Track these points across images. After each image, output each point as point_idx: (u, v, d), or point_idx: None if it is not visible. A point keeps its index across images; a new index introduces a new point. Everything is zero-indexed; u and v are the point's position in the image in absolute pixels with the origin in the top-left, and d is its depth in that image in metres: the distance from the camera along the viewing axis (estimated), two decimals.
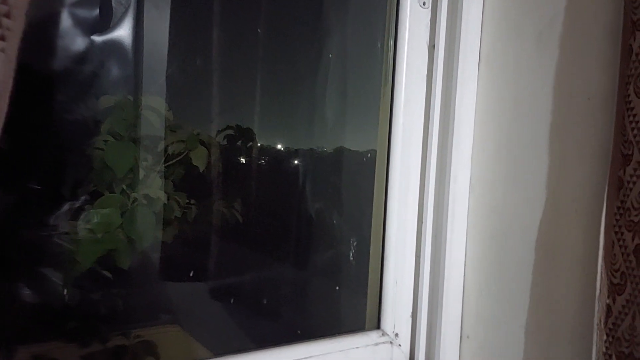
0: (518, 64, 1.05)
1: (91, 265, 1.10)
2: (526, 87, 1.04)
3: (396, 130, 1.12)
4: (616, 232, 0.83)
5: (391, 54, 1.13)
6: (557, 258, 0.97)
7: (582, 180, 0.93)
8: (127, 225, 1.12)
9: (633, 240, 0.80)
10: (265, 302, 1.32)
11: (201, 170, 1.21)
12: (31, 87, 1.04)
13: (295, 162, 1.35)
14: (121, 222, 1.11)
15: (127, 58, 1.12)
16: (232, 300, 1.28)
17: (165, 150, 1.18)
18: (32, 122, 1.06)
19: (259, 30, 1.28)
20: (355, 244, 1.26)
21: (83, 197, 1.10)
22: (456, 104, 1.09)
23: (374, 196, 1.15)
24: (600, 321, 0.85)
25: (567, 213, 0.96)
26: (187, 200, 1.22)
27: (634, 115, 0.80)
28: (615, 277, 0.82)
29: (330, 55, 1.30)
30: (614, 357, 0.83)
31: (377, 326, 1.11)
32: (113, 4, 1.08)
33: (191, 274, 1.25)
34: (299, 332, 1.16)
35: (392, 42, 1.13)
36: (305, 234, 1.35)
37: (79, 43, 1.06)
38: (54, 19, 1.04)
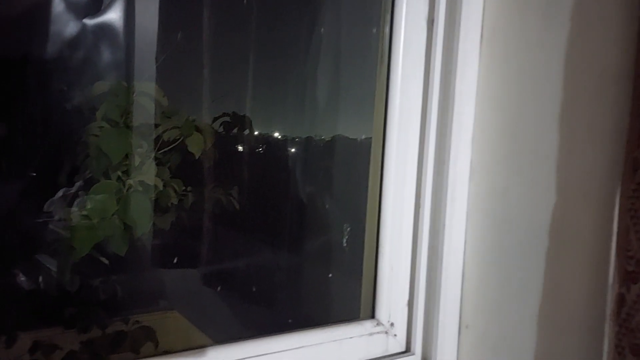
0: (523, 40, 1.02)
1: (88, 251, 1.10)
2: (532, 64, 1.00)
3: (392, 111, 1.08)
4: (632, 217, 0.81)
5: (387, 30, 1.10)
6: (564, 245, 0.95)
7: (592, 162, 0.90)
8: (122, 211, 1.13)
9: None
10: (261, 289, 1.33)
11: (197, 157, 1.21)
12: (25, 74, 1.05)
13: (292, 150, 1.35)
14: (117, 209, 1.12)
15: (119, 42, 1.12)
16: (228, 287, 1.29)
17: (160, 136, 1.18)
18: (26, 109, 1.07)
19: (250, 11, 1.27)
20: (349, 229, 1.25)
21: (79, 184, 1.11)
22: (456, 83, 1.06)
23: (369, 179, 1.13)
24: (612, 311, 0.83)
25: (575, 197, 0.93)
26: (184, 187, 1.22)
27: None
28: (629, 265, 0.80)
29: (322, 30, 1.28)
30: (627, 349, 0.81)
31: (372, 315, 1.09)
32: None
33: (188, 261, 1.26)
34: (289, 320, 1.16)
35: (388, 17, 1.09)
36: (302, 221, 1.35)
37: (71, 27, 1.07)
38: (46, 2, 1.05)
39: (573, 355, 0.92)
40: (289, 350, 0.97)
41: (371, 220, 1.11)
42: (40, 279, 1.11)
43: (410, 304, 1.09)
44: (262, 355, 0.95)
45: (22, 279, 1.11)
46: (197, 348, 0.92)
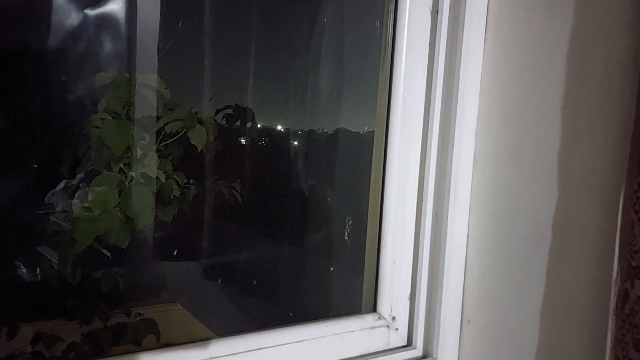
0: (528, 30, 1.01)
1: (89, 244, 1.10)
2: (537, 55, 0.99)
3: (396, 102, 1.07)
4: (636, 211, 0.79)
5: (391, 20, 1.08)
6: (567, 239, 0.93)
7: (597, 155, 0.89)
8: (124, 203, 1.12)
9: None
10: (263, 282, 1.32)
11: (199, 150, 1.21)
12: (27, 65, 1.05)
13: (295, 143, 1.34)
14: (118, 201, 1.12)
15: (121, 33, 1.11)
16: (230, 279, 1.29)
17: (163, 129, 1.18)
18: (28, 101, 1.07)
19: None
20: (351, 223, 1.24)
21: (80, 176, 1.11)
22: (460, 74, 1.05)
23: (372, 172, 1.11)
24: (616, 306, 0.82)
25: (579, 190, 0.92)
26: (186, 180, 1.22)
27: None
28: (634, 260, 0.79)
29: (325, 21, 1.27)
30: (630, 345, 0.80)
31: (374, 309, 1.08)
32: None
33: (190, 253, 1.26)
34: (291, 314, 1.16)
35: (392, 8, 1.08)
36: (304, 214, 1.34)
37: (72, 18, 1.06)
38: None
39: (576, 351, 0.91)
40: (290, 343, 0.97)
41: (373, 214, 1.11)
42: (42, 270, 1.11)
43: (412, 298, 1.08)
44: (264, 348, 0.95)
45: (24, 270, 1.11)
46: (199, 341, 0.92)
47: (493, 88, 1.05)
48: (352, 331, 1.03)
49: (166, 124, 1.19)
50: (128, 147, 1.13)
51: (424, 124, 1.08)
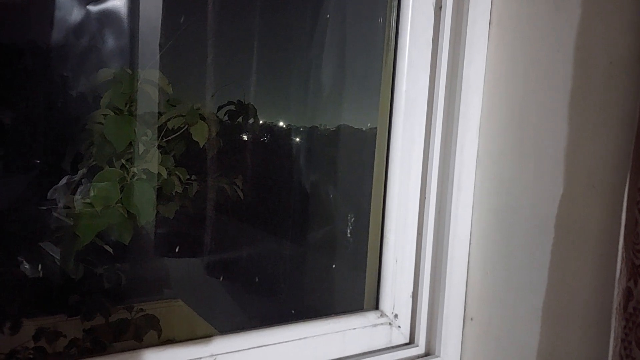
0: (533, 26, 1.00)
1: (91, 239, 1.10)
2: (541, 51, 0.99)
3: (399, 98, 1.07)
4: None
5: (394, 16, 1.08)
6: (571, 236, 0.93)
7: (602, 152, 0.89)
8: (126, 199, 1.12)
9: None
10: (265, 279, 1.32)
11: (201, 146, 1.20)
12: (29, 61, 1.05)
13: (297, 139, 1.34)
14: (120, 197, 1.11)
15: (123, 29, 1.11)
16: (232, 276, 1.28)
17: (165, 124, 1.18)
18: (30, 97, 1.07)
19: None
20: (353, 220, 1.24)
21: (82, 172, 1.11)
22: (464, 70, 1.04)
23: (374, 168, 1.11)
24: (619, 305, 0.81)
25: (583, 188, 0.92)
26: (188, 176, 1.22)
27: None
28: (637, 258, 0.78)
29: (328, 17, 1.26)
30: (633, 344, 0.79)
31: (376, 307, 1.08)
32: None
33: (192, 250, 1.25)
34: (293, 311, 1.16)
35: (395, 4, 1.08)
36: (306, 211, 1.34)
37: (75, 13, 1.06)
38: None
39: (578, 349, 0.91)
40: (292, 341, 0.97)
41: (376, 211, 1.11)
42: (44, 266, 1.11)
43: (415, 295, 1.08)
44: (265, 345, 0.95)
45: (26, 266, 1.11)
46: (200, 338, 0.92)
47: (496, 85, 1.05)
48: (355, 329, 1.03)
49: (168, 120, 1.18)
50: (130, 143, 1.12)
51: (427, 120, 1.08)
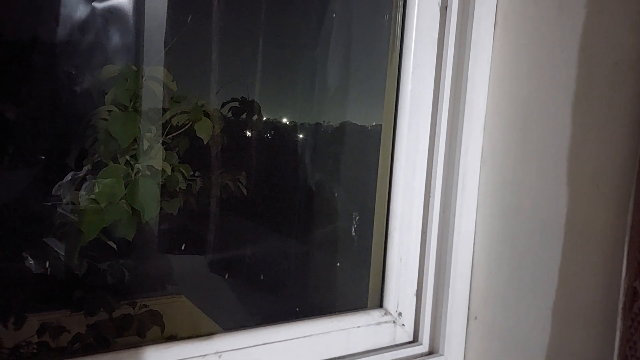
0: (538, 26, 1.00)
1: (95, 235, 1.10)
2: (546, 52, 0.98)
3: (404, 98, 1.07)
4: None
5: (400, 15, 1.08)
6: (575, 236, 0.93)
7: (606, 153, 0.88)
8: (130, 196, 1.12)
9: None
10: (269, 276, 1.32)
11: (205, 142, 1.20)
12: (34, 57, 1.04)
13: (301, 136, 1.34)
14: (124, 193, 1.12)
15: (128, 26, 1.11)
16: (235, 272, 1.29)
17: (169, 121, 1.18)
18: (36, 93, 1.07)
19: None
20: (358, 218, 1.24)
21: (87, 168, 1.11)
22: (469, 70, 1.04)
23: (379, 167, 1.11)
24: (624, 305, 0.81)
25: (588, 188, 0.91)
26: (192, 172, 1.22)
27: None
28: None
29: (333, 16, 1.26)
30: (638, 343, 0.80)
31: (380, 305, 1.08)
32: None
33: (195, 246, 1.26)
34: (297, 309, 1.16)
35: (401, 3, 1.08)
36: (310, 208, 1.34)
37: (80, 10, 1.06)
38: None
39: (583, 349, 0.91)
40: (296, 338, 0.97)
41: (380, 209, 1.10)
42: (49, 262, 1.12)
43: (419, 293, 1.08)
44: (269, 343, 0.95)
45: (31, 262, 1.11)
46: (204, 335, 0.92)
47: (502, 84, 1.05)
48: (359, 327, 1.03)
49: (172, 116, 1.18)
50: (135, 140, 1.12)
51: (432, 119, 1.08)
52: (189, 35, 1.17)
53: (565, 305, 0.93)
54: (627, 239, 0.81)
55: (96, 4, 1.06)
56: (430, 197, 1.07)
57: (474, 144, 1.05)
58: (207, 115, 1.21)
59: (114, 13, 1.09)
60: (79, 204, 1.09)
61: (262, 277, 1.33)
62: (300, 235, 1.36)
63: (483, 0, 1.03)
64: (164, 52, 1.14)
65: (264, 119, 1.33)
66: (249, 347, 0.93)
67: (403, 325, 1.07)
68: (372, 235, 1.11)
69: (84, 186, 1.10)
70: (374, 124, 1.20)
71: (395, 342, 1.06)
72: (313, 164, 1.34)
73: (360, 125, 1.30)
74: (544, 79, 0.98)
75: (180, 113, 1.19)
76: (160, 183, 1.17)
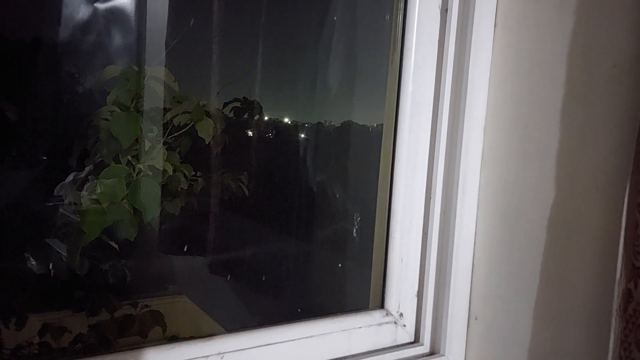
0: (537, 28, 1.00)
1: (97, 236, 1.10)
2: (546, 54, 0.98)
3: (405, 99, 1.07)
4: None
5: (401, 18, 1.08)
6: (574, 238, 0.93)
7: (605, 155, 0.88)
8: (132, 196, 1.12)
9: None
10: (270, 277, 1.32)
11: (207, 142, 1.21)
12: (36, 57, 1.04)
13: (302, 136, 1.33)
14: (126, 193, 1.12)
15: (130, 27, 1.11)
16: (236, 272, 1.29)
17: (171, 121, 1.18)
18: (38, 93, 1.07)
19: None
20: (359, 219, 1.24)
21: (89, 168, 1.11)
22: (469, 71, 1.04)
23: (380, 169, 1.11)
24: (619, 307, 0.81)
25: (586, 190, 0.91)
26: (194, 173, 1.22)
27: None
28: (637, 260, 0.78)
29: (335, 17, 1.26)
30: (633, 345, 0.79)
31: (381, 305, 1.08)
32: None
33: (197, 246, 1.26)
34: (299, 310, 1.16)
35: (401, 5, 1.08)
36: (311, 209, 1.34)
37: (82, 11, 1.06)
38: None
39: (581, 349, 0.91)
40: (299, 339, 0.97)
41: (381, 210, 1.10)
42: (50, 262, 1.12)
43: (420, 294, 1.08)
44: (271, 344, 0.95)
45: (33, 262, 1.11)
46: (206, 336, 0.92)
47: (502, 86, 1.05)
48: (360, 327, 1.03)
49: (174, 116, 1.18)
50: (136, 140, 1.13)
51: (432, 121, 1.08)
52: (190, 35, 1.17)
53: (563, 306, 0.94)
54: (621, 240, 0.81)
55: (98, 5, 1.06)
56: (430, 198, 1.07)
57: (474, 145, 1.05)
58: (208, 115, 1.21)
59: (115, 14, 1.09)
60: (81, 204, 1.09)
61: (263, 278, 1.33)
62: (301, 235, 1.36)
63: (483, 2, 1.03)
64: (165, 53, 1.14)
65: (266, 118, 1.33)
66: (252, 347, 0.93)
67: (404, 325, 1.07)
68: (373, 236, 1.11)
69: (85, 186, 1.10)
70: (375, 125, 1.20)
71: (396, 342, 1.06)
72: (315, 164, 1.34)
73: (362, 125, 1.30)
74: (543, 80, 0.98)
75: (182, 113, 1.19)
76: (162, 183, 1.17)
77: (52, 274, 1.12)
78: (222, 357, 0.91)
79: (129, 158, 1.13)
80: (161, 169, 1.17)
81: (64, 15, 1.04)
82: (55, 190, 1.09)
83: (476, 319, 1.07)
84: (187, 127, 1.19)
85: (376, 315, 1.06)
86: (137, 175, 1.13)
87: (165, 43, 1.14)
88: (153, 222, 1.19)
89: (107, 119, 1.11)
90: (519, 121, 1.02)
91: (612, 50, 0.87)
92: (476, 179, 1.06)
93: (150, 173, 1.15)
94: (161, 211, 1.20)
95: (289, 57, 1.32)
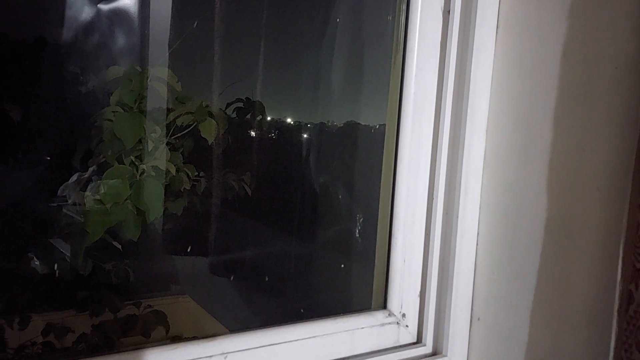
0: (539, 30, 0.99)
1: (100, 236, 1.11)
2: (547, 55, 0.98)
3: (407, 101, 1.07)
4: None
5: (403, 19, 1.08)
6: (575, 239, 0.93)
7: (607, 156, 0.88)
8: (135, 196, 1.13)
9: None
10: (273, 277, 1.32)
11: (210, 143, 1.21)
12: (40, 58, 1.05)
13: (305, 136, 1.33)
14: (129, 194, 1.12)
15: (133, 27, 1.11)
16: (239, 272, 1.29)
17: (174, 122, 1.18)
18: (41, 93, 1.07)
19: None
20: (362, 220, 1.24)
21: (92, 168, 1.11)
22: (471, 73, 1.04)
23: (382, 170, 1.11)
24: (620, 308, 0.81)
25: (588, 191, 0.91)
26: (197, 173, 1.22)
27: None
28: (638, 262, 0.78)
29: (337, 19, 1.26)
30: (634, 346, 0.79)
31: (384, 306, 1.08)
32: None
33: (200, 246, 1.26)
34: (301, 310, 1.16)
35: (404, 7, 1.07)
36: (314, 209, 1.34)
37: (86, 11, 1.06)
38: None
39: (582, 350, 0.91)
40: (302, 339, 0.97)
41: (384, 211, 1.10)
42: (54, 262, 1.12)
43: (422, 295, 1.08)
44: (274, 344, 0.95)
45: (36, 262, 1.11)
46: (209, 337, 0.92)
47: (504, 87, 1.05)
48: (363, 328, 1.03)
49: (177, 117, 1.19)
50: (139, 140, 1.13)
51: (435, 122, 1.08)
52: (193, 36, 1.17)
53: (565, 307, 0.93)
54: (622, 241, 0.82)
55: (101, 6, 1.07)
56: (433, 198, 1.07)
57: (476, 146, 1.05)
58: (211, 115, 1.21)
59: (119, 14, 1.09)
60: (84, 204, 1.10)
61: (266, 278, 1.33)
62: (303, 236, 1.36)
63: (485, 4, 1.03)
64: (168, 53, 1.14)
65: (268, 119, 1.33)
66: (255, 348, 0.93)
67: (407, 326, 1.07)
68: (375, 236, 1.11)
69: (89, 187, 1.10)
70: (377, 125, 1.20)
71: (399, 343, 1.06)
72: (317, 164, 1.34)
73: (365, 126, 1.30)
74: (545, 82, 0.98)
75: (185, 114, 1.19)
76: (165, 183, 1.18)
77: (55, 274, 1.12)
78: (225, 357, 0.91)
79: (132, 158, 1.13)
80: (164, 169, 1.17)
81: (67, 15, 1.04)
82: (58, 191, 1.10)
83: (479, 319, 1.07)
84: (190, 128, 1.19)
85: (379, 316, 1.06)
86: (140, 175, 1.13)
87: (169, 44, 1.14)
88: (156, 223, 1.19)
89: (110, 120, 1.11)
90: (521, 122, 1.02)
91: (613, 52, 0.87)
92: (478, 179, 1.06)
93: (154, 173, 1.15)
94: (164, 211, 1.20)
95: (292, 58, 1.33)
